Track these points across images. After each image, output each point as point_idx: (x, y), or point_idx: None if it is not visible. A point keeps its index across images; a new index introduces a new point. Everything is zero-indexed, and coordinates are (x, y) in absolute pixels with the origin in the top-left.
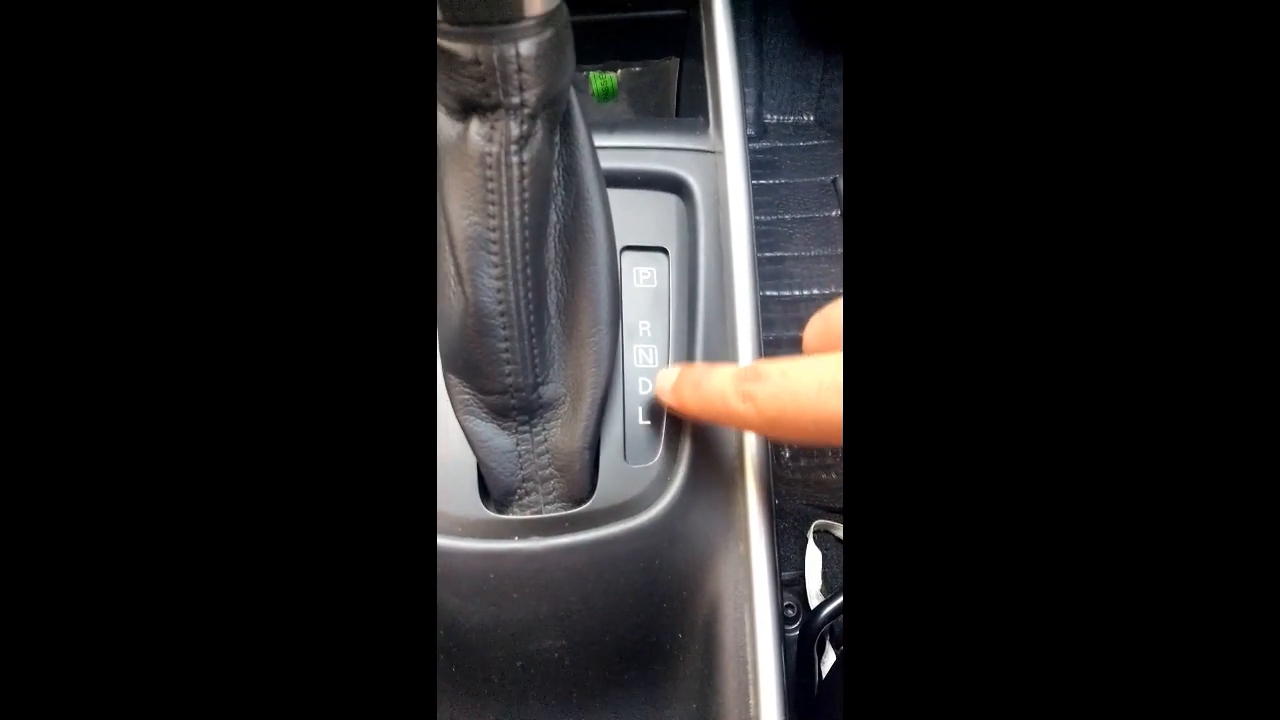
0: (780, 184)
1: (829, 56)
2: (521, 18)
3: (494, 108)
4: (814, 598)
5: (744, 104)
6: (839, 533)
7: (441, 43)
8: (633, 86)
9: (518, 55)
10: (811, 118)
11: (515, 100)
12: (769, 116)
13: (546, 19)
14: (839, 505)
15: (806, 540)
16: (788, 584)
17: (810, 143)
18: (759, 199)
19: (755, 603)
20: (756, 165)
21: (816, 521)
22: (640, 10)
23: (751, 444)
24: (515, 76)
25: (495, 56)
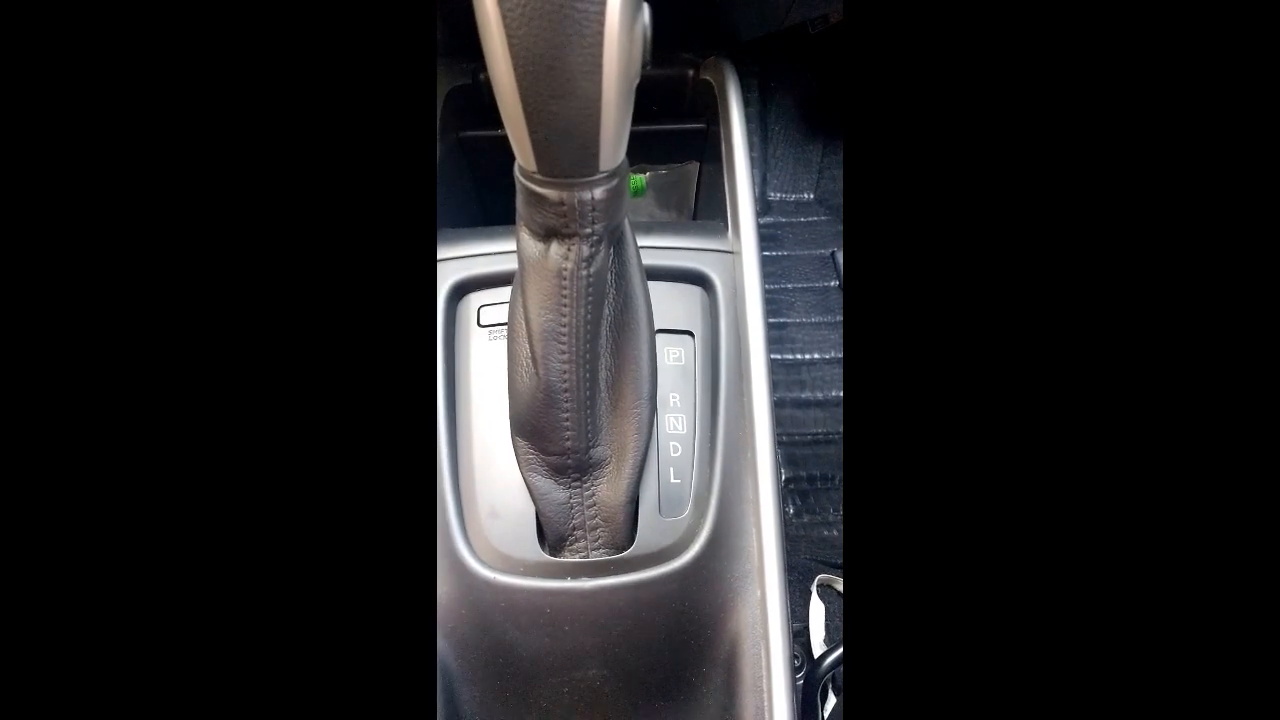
0: (783, 256)
1: (829, 141)
2: (597, 172)
3: (571, 235)
4: (817, 647)
5: (757, 208)
6: (840, 587)
7: (534, 188)
8: (659, 185)
9: (593, 199)
10: (812, 196)
11: (588, 230)
12: (773, 194)
13: (614, 172)
14: (840, 560)
15: (810, 594)
16: (793, 635)
17: (810, 219)
18: (763, 269)
19: (771, 641)
20: (761, 239)
21: (820, 576)
22: (667, 123)
23: (768, 501)
24: (590, 214)
25: (576, 200)
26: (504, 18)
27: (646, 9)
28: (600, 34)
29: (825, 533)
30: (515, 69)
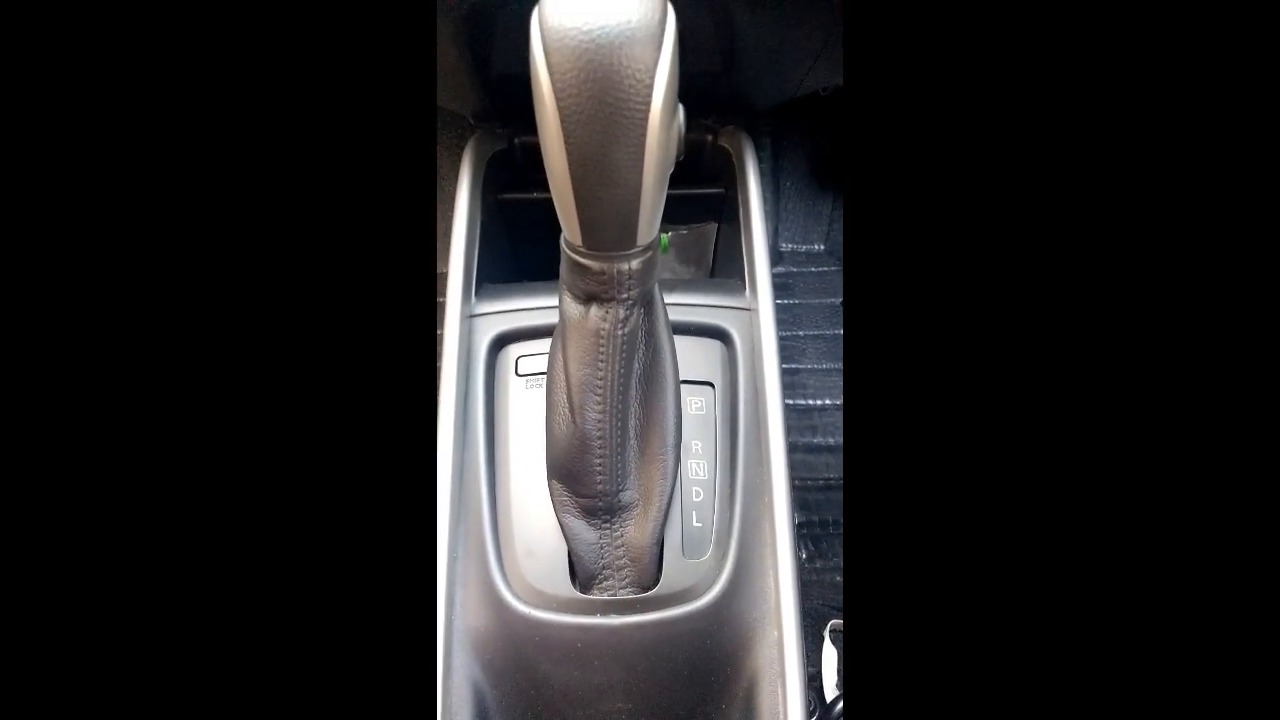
0: (794, 304)
1: (839, 195)
2: (634, 246)
3: (609, 300)
4: (830, 692)
5: (773, 267)
6: None
7: (578, 259)
8: (680, 244)
9: (629, 269)
10: (822, 246)
11: (624, 295)
12: (785, 245)
13: (648, 245)
14: None
15: (823, 639)
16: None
17: (821, 269)
18: (776, 319)
19: (788, 681)
20: (774, 287)
21: (832, 622)
22: (687, 188)
23: (784, 545)
24: (627, 281)
25: (615, 270)
26: (563, 121)
27: (681, 109)
28: (644, 134)
29: (837, 578)
30: (569, 163)
